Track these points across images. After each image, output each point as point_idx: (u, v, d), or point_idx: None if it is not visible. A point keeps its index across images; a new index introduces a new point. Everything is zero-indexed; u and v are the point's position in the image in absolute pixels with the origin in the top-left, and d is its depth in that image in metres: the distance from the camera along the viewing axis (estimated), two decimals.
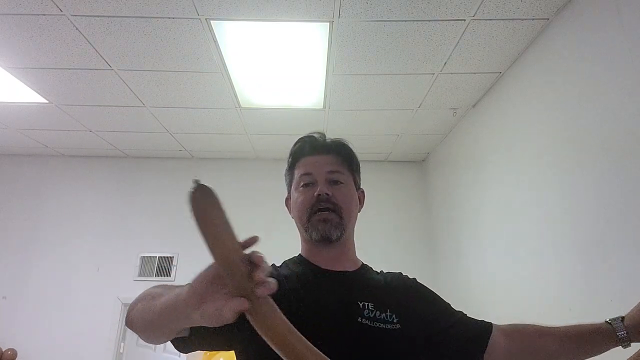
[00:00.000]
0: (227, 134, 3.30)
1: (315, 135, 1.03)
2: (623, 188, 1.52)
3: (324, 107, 2.81)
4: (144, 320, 0.73)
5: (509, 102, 2.38)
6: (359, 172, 1.07)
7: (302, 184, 0.98)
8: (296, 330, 0.59)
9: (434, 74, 2.42)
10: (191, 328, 0.75)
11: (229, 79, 2.47)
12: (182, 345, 0.80)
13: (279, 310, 0.58)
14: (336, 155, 1.01)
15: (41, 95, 2.69)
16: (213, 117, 3.01)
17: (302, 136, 1.04)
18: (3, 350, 3.26)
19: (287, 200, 1.06)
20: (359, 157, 1.10)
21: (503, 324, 0.91)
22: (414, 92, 2.63)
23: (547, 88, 2.00)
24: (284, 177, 1.05)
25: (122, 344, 3.41)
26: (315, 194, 0.93)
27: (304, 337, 0.59)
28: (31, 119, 3.09)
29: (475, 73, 2.42)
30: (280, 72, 2.42)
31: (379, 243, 3.59)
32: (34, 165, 3.85)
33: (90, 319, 3.37)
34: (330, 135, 1.05)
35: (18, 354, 3.26)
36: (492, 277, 2.57)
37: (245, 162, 3.82)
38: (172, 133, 3.32)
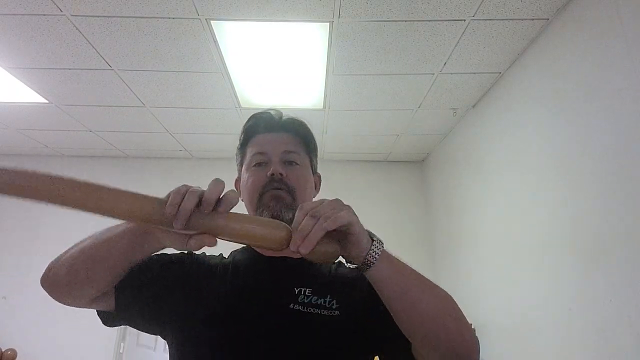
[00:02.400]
0: (227, 134, 3.29)
1: (272, 112, 0.97)
2: (623, 188, 1.53)
3: (324, 107, 2.81)
4: (85, 252, 0.73)
5: (509, 102, 2.38)
6: (316, 155, 1.00)
7: (254, 163, 0.91)
8: (241, 216, 0.67)
9: (433, 74, 2.42)
10: (117, 305, 0.79)
11: (229, 79, 2.47)
12: (109, 319, 0.82)
13: (230, 216, 0.65)
14: (293, 134, 0.95)
15: (41, 95, 2.69)
16: (213, 117, 3.01)
17: (256, 112, 0.98)
18: (3, 350, 3.26)
19: (237, 181, 0.99)
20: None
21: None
22: (414, 92, 2.63)
23: (547, 88, 2.00)
24: None
25: (122, 343, 3.41)
26: (269, 173, 0.87)
27: (249, 216, 0.69)
28: (31, 119, 3.09)
29: (475, 73, 2.42)
30: (280, 72, 2.42)
31: None
32: (34, 165, 3.84)
33: (90, 319, 3.36)
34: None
35: (18, 354, 3.26)
36: (492, 276, 2.57)
37: None
38: (172, 133, 3.32)
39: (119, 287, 0.78)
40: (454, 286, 3.08)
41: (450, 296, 0.71)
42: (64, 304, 0.78)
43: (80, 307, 0.79)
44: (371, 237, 0.65)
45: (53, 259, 0.77)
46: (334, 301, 0.80)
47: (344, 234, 0.62)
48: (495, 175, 2.55)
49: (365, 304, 0.77)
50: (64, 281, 0.74)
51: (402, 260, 0.69)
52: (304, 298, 0.80)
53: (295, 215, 0.63)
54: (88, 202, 0.64)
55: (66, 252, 0.76)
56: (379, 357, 0.83)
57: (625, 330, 1.49)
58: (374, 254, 0.64)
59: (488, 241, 2.64)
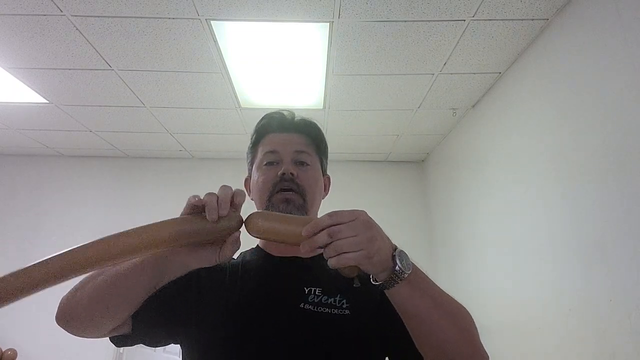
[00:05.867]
0: (227, 134, 3.30)
1: (284, 112, 0.98)
2: (623, 188, 1.53)
3: (324, 107, 2.81)
4: (103, 288, 0.73)
5: (509, 102, 2.38)
6: (327, 156, 1.01)
7: (265, 162, 0.92)
8: (279, 216, 0.73)
9: (433, 74, 2.42)
10: (133, 324, 0.78)
11: (229, 79, 2.47)
12: (123, 341, 0.81)
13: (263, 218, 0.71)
14: (305, 135, 0.96)
15: (41, 95, 2.69)
16: (213, 117, 3.01)
17: (269, 112, 0.99)
18: (3, 350, 3.26)
19: (247, 180, 1.00)
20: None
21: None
22: (414, 92, 2.63)
23: (547, 88, 2.00)
24: None
25: None
26: (280, 173, 0.87)
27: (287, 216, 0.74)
28: (31, 119, 3.09)
29: (475, 73, 2.42)
30: (280, 72, 2.42)
31: None
32: (34, 165, 3.85)
33: None
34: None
35: (18, 354, 3.26)
36: (492, 277, 2.57)
37: (245, 162, 3.82)
38: (172, 133, 3.32)
39: (136, 314, 0.77)
40: (453, 286, 3.08)
41: (471, 320, 0.71)
42: (82, 337, 0.78)
43: (97, 337, 0.78)
44: (395, 260, 0.64)
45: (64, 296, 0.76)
46: (344, 300, 0.80)
47: None
48: (495, 175, 2.55)
49: (377, 305, 0.77)
50: (84, 317, 0.74)
51: (427, 283, 0.68)
52: (314, 297, 0.80)
53: (321, 218, 0.63)
54: (137, 244, 0.65)
55: (79, 287, 0.75)
56: (389, 358, 0.83)
57: (625, 330, 1.49)
58: (391, 281, 0.64)
59: (488, 241, 2.64)
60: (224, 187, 0.69)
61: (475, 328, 0.72)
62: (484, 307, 2.59)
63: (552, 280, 1.95)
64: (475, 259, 2.82)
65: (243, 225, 0.72)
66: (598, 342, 1.63)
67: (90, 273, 0.75)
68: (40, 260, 0.61)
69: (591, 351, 1.67)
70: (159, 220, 0.67)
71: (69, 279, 0.62)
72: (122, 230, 0.65)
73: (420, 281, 0.67)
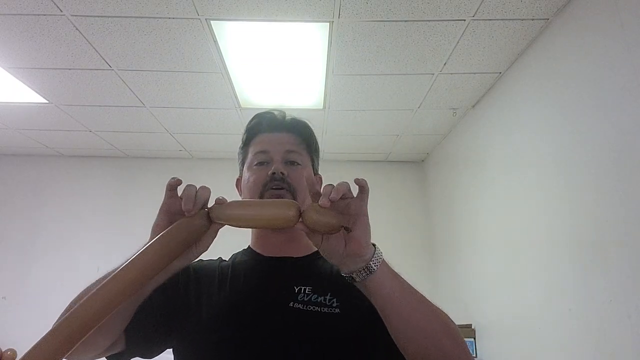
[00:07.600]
0: (227, 134, 3.30)
1: (275, 112, 0.97)
2: (622, 188, 1.52)
3: (324, 107, 2.81)
4: None
5: (509, 102, 2.38)
6: (318, 156, 1.01)
7: (255, 162, 0.91)
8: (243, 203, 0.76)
9: (433, 74, 2.42)
10: (126, 339, 0.77)
11: (229, 79, 2.47)
12: (118, 358, 0.80)
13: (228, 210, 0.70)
14: (296, 134, 0.95)
15: (41, 95, 2.69)
16: (213, 117, 3.01)
17: (260, 112, 0.98)
18: (3, 350, 3.26)
19: (238, 180, 0.99)
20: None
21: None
22: (414, 92, 2.63)
23: (547, 88, 2.00)
24: None
25: None
26: (270, 172, 0.86)
27: (251, 203, 0.78)
28: (31, 119, 3.09)
29: (475, 73, 2.42)
30: (280, 72, 2.42)
31: (377, 243, 3.58)
32: (34, 165, 3.85)
33: None
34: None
35: (18, 354, 3.26)
36: (491, 277, 2.57)
37: None
38: (172, 133, 3.32)
39: (128, 328, 0.77)
40: (453, 286, 3.08)
41: (448, 316, 0.71)
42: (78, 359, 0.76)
43: (93, 359, 0.77)
44: (372, 244, 0.66)
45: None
46: (335, 299, 0.80)
47: (348, 232, 0.65)
48: (495, 175, 2.55)
49: (366, 304, 0.76)
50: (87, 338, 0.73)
51: (400, 274, 0.70)
52: (303, 296, 0.80)
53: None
54: (150, 268, 0.65)
55: (68, 310, 0.72)
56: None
57: (625, 330, 1.50)
58: (376, 260, 0.64)
59: (488, 241, 2.64)
60: (190, 186, 0.70)
61: (454, 324, 0.71)
62: (484, 307, 2.59)
63: (552, 280, 1.95)
64: (475, 259, 2.82)
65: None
66: (598, 342, 1.63)
67: (77, 295, 0.73)
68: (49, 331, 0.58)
69: (591, 351, 1.67)
70: (142, 248, 0.66)
71: (81, 340, 0.58)
72: (110, 271, 0.64)
73: (390, 271, 0.69)
